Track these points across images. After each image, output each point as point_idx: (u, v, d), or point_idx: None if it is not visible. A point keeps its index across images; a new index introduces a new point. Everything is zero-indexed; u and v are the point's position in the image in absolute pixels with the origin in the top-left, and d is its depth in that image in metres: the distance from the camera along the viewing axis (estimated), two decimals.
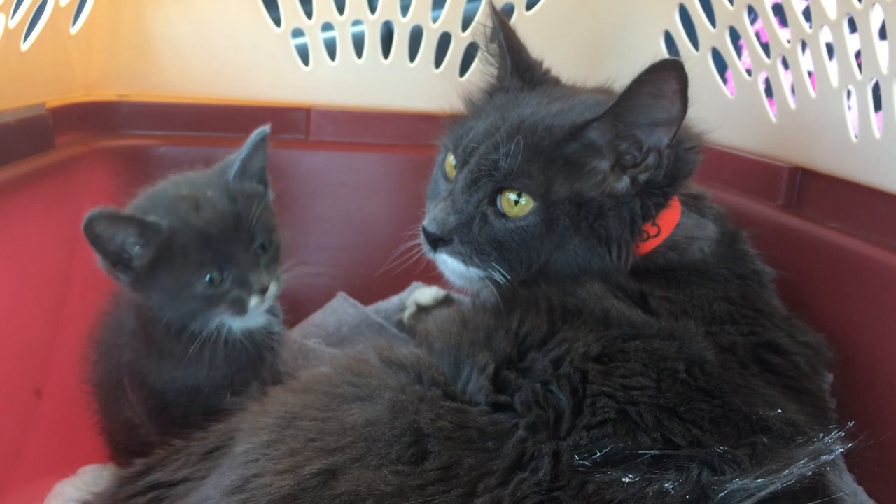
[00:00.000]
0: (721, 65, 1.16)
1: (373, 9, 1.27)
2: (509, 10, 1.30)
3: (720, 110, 1.14)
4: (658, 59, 0.70)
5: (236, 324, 0.83)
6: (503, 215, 0.78)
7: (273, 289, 0.82)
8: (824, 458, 0.61)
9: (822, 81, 0.95)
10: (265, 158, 0.85)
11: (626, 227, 0.77)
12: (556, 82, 0.92)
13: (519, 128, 0.78)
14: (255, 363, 0.86)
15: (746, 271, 0.82)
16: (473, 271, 0.80)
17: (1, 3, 0.86)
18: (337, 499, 0.57)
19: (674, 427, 0.62)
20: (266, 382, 0.84)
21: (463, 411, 0.64)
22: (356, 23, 1.27)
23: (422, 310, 1.20)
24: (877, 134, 0.86)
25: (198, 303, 0.79)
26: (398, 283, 1.28)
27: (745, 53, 1.10)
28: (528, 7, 1.32)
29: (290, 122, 1.31)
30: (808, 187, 1.00)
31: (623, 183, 0.78)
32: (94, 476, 0.90)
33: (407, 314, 1.22)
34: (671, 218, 0.80)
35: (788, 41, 1.01)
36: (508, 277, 0.78)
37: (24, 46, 0.96)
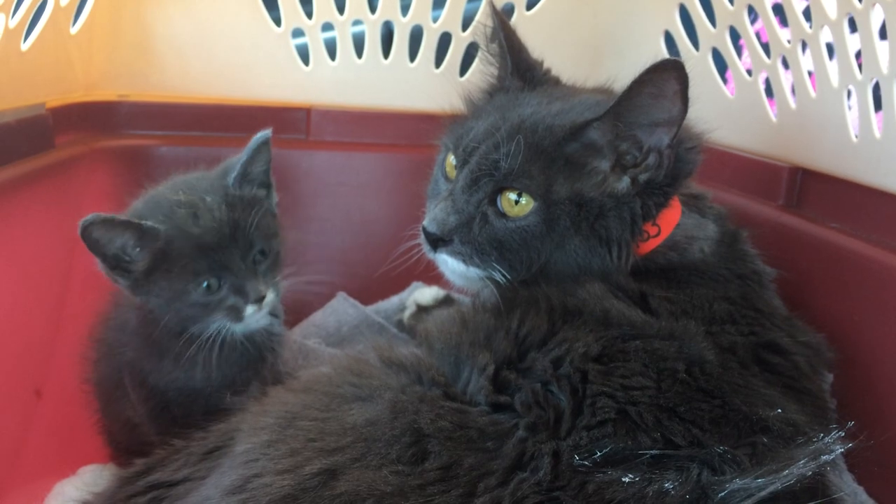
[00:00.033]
0: (721, 65, 1.16)
1: (373, 9, 1.27)
2: (509, 10, 1.30)
3: (720, 110, 1.14)
4: (658, 58, 0.70)
5: (236, 327, 0.83)
6: (503, 215, 0.78)
7: (270, 297, 0.82)
8: (824, 458, 0.61)
9: (822, 81, 0.95)
10: (268, 162, 0.85)
11: (626, 227, 0.77)
12: (556, 82, 0.92)
13: (519, 128, 0.78)
14: (255, 364, 0.86)
15: (747, 271, 0.82)
16: (473, 271, 0.80)
17: (1, 3, 0.86)
18: (337, 499, 0.57)
19: (674, 427, 0.62)
20: (266, 382, 0.84)
21: (463, 412, 0.64)
22: (356, 23, 1.27)
23: (422, 310, 1.20)
24: (877, 134, 0.86)
25: (195, 309, 0.79)
26: (398, 283, 1.28)
27: (745, 53, 1.10)
28: (529, 7, 1.32)
29: (291, 122, 1.31)
30: (808, 187, 1.00)
31: (623, 183, 0.78)
32: (94, 476, 0.90)
33: (407, 314, 1.22)
34: (671, 218, 0.80)
35: (789, 41, 1.01)
36: (508, 277, 0.78)
37: (25, 46, 0.96)
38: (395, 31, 1.29)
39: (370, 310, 1.25)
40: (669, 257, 0.80)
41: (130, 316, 0.85)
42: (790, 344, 0.75)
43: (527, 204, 0.77)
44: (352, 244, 1.33)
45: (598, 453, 0.59)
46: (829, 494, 0.63)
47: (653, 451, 0.60)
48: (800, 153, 1.01)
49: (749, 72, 1.10)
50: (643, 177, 0.77)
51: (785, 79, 1.03)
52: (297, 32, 1.27)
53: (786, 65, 1.03)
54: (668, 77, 0.71)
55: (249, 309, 0.80)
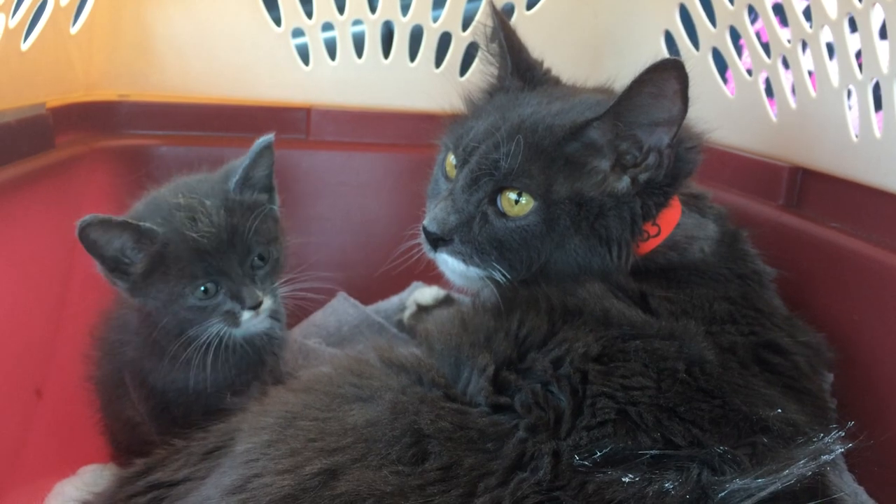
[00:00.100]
0: (721, 64, 1.16)
1: (373, 8, 1.27)
2: (509, 10, 1.30)
3: (720, 110, 1.14)
4: (658, 58, 0.70)
5: (235, 331, 0.83)
6: (503, 215, 0.78)
7: (268, 303, 0.82)
8: (824, 458, 0.61)
9: (822, 81, 0.95)
10: (270, 166, 0.85)
11: (626, 227, 0.77)
12: (556, 82, 0.92)
13: (519, 127, 0.78)
14: (255, 367, 0.86)
15: (747, 271, 0.82)
16: (474, 271, 0.80)
17: (1, 3, 0.86)
18: (337, 499, 0.57)
19: (674, 427, 0.62)
20: (267, 383, 0.84)
21: (463, 412, 0.64)
22: (356, 22, 1.27)
23: (422, 310, 1.20)
24: (877, 134, 0.86)
25: (192, 312, 0.79)
26: (398, 283, 1.28)
27: (745, 53, 1.10)
28: (529, 7, 1.32)
29: (291, 121, 1.31)
30: (808, 187, 1.00)
31: (623, 182, 0.78)
32: (94, 476, 0.90)
33: (407, 314, 1.22)
34: (671, 218, 0.80)
35: (789, 41, 1.01)
36: (509, 277, 0.78)
37: (25, 46, 0.96)
38: (395, 31, 1.29)
39: (370, 310, 1.25)
40: (669, 257, 0.80)
41: (131, 316, 0.86)
42: (790, 344, 0.75)
43: (527, 203, 0.77)
44: (352, 244, 1.33)
45: (599, 453, 0.59)
46: (829, 494, 0.62)
47: (653, 451, 0.60)
48: (800, 153, 1.00)
49: (749, 72, 1.10)
50: (643, 176, 0.77)
51: (785, 79, 1.03)
52: (297, 32, 1.27)
53: (786, 65, 1.03)
54: (668, 76, 0.71)
55: (246, 314, 0.80)
